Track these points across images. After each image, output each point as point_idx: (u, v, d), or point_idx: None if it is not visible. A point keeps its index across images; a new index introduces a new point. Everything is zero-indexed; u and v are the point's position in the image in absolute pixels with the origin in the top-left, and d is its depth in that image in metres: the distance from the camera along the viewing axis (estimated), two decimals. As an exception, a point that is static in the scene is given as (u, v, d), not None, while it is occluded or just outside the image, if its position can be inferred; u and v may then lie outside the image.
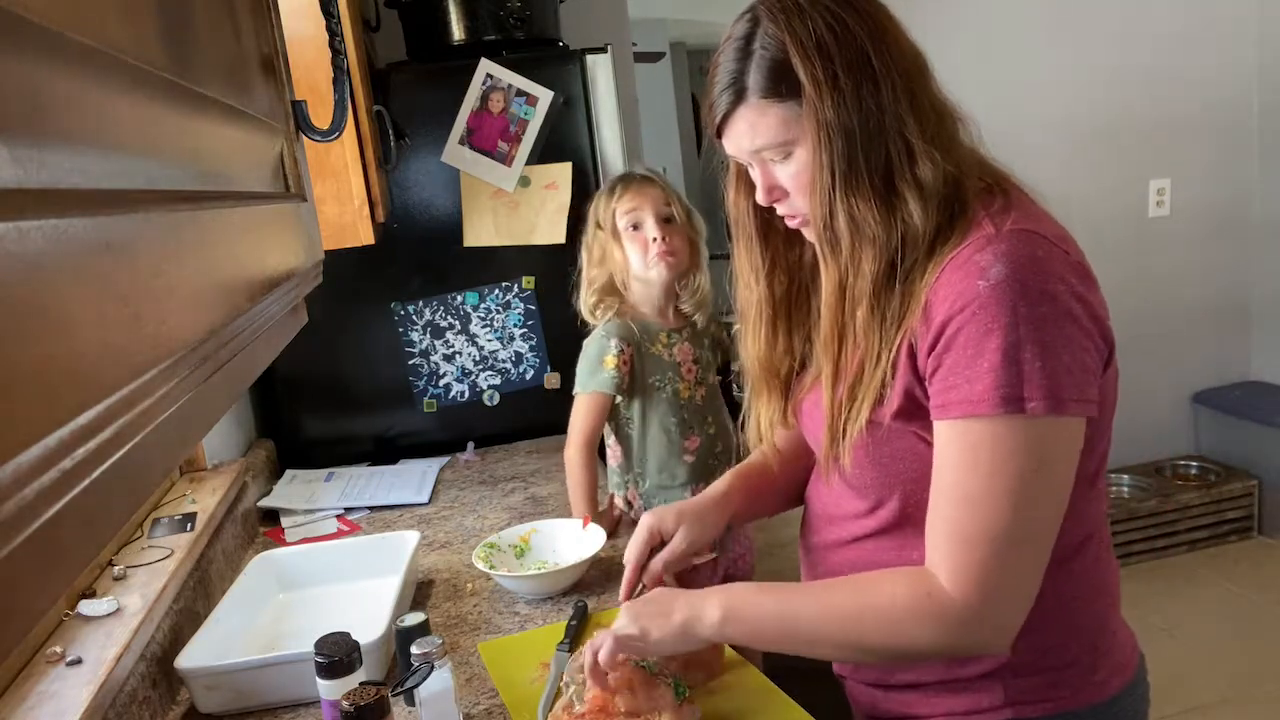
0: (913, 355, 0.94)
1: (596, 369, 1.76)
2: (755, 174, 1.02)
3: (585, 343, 1.82)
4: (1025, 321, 0.86)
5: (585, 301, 1.83)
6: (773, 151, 0.98)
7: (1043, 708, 1.00)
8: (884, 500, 1.02)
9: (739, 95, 0.96)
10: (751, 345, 1.14)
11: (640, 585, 1.17)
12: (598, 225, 1.81)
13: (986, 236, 0.90)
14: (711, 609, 1.00)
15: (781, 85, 0.94)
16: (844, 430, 0.99)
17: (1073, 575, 1.00)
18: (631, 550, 1.18)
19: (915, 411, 0.95)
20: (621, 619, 1.03)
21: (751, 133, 0.97)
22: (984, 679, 1.01)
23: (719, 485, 1.25)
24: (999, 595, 0.90)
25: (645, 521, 1.19)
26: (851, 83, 0.91)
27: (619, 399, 1.79)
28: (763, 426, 1.16)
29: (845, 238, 0.95)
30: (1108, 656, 1.04)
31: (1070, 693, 1.01)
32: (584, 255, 1.85)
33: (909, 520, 1.01)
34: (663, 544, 1.18)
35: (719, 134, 1.02)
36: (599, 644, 1.03)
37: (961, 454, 0.90)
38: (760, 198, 1.02)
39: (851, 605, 0.96)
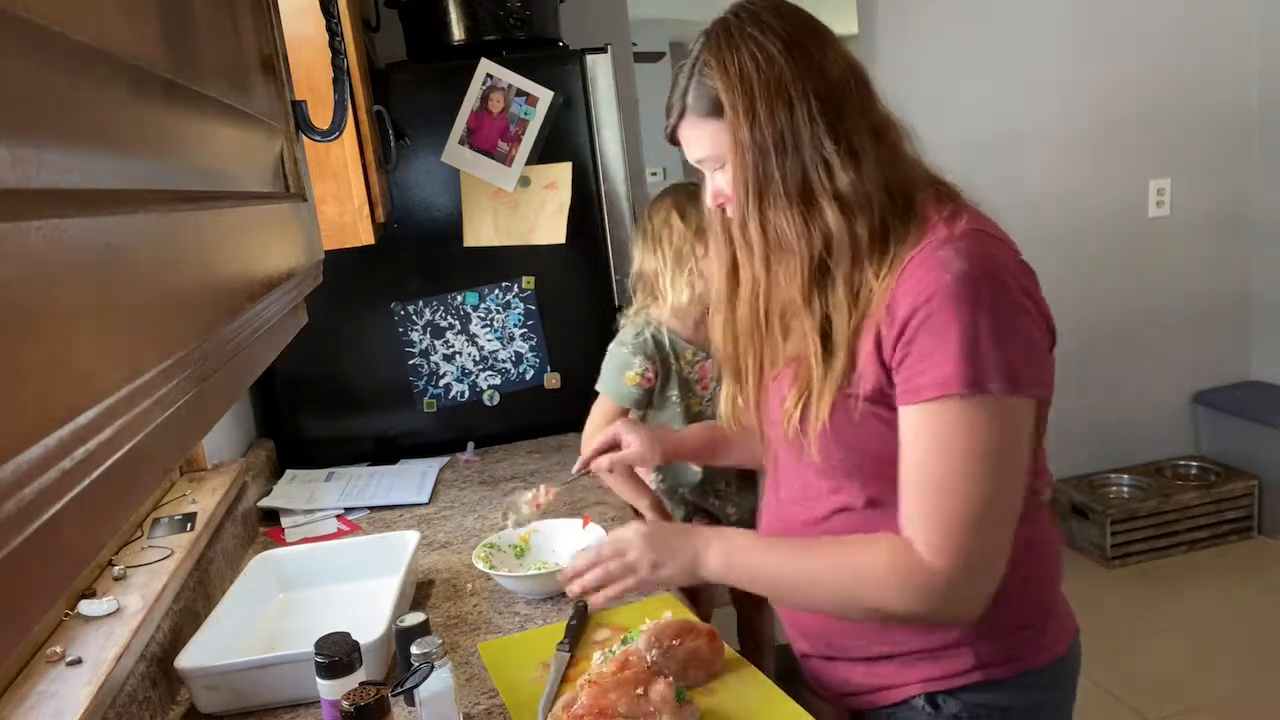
0: (879, 348, 1.02)
1: (617, 379, 1.78)
2: (706, 180, 1.15)
3: (614, 342, 1.83)
4: (985, 311, 0.95)
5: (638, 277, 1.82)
6: (709, 163, 1.11)
7: (1006, 669, 1.10)
8: (848, 480, 1.10)
9: (681, 111, 1.10)
10: (717, 334, 1.24)
11: (586, 471, 1.50)
12: (682, 217, 1.73)
13: (944, 237, 1.00)
14: (714, 556, 1.11)
15: (711, 108, 1.06)
16: (802, 421, 1.08)
17: (1021, 544, 1.07)
18: (594, 441, 1.49)
19: (880, 398, 1.03)
20: (636, 550, 1.13)
21: (689, 145, 1.12)
22: (953, 647, 1.09)
23: (683, 431, 1.55)
24: (977, 567, 0.99)
25: (614, 429, 1.49)
26: (766, 108, 1.02)
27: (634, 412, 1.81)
28: (726, 407, 1.26)
29: (757, 243, 1.07)
30: (1055, 619, 1.15)
31: (1029, 653, 1.11)
32: (651, 233, 1.78)
33: (871, 500, 1.08)
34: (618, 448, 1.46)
35: (672, 142, 1.16)
36: (613, 564, 1.14)
37: (933, 439, 0.98)
38: (708, 201, 1.15)
39: (839, 569, 1.05)
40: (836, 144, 1.02)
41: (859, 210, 1.02)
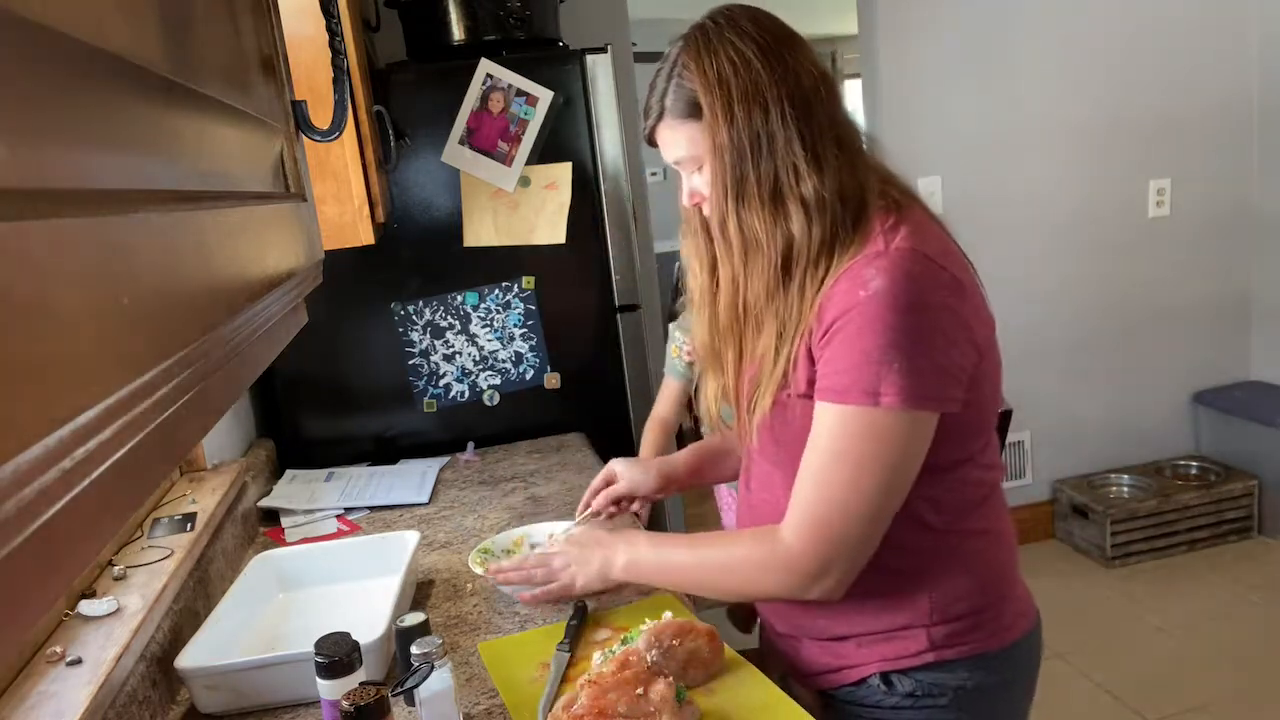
0: (810, 351, 1.08)
1: (669, 356, 1.96)
2: (683, 180, 1.18)
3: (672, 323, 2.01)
4: (891, 329, 1.01)
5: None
6: (687, 164, 1.15)
7: (959, 650, 1.15)
8: (791, 472, 1.13)
9: (660, 114, 1.14)
10: (698, 329, 1.26)
11: (589, 510, 1.50)
12: None
13: (875, 252, 1.05)
14: (619, 562, 1.25)
15: (689, 110, 1.10)
16: (751, 413, 1.15)
17: (974, 532, 1.16)
18: (593, 484, 1.51)
19: (811, 392, 1.09)
20: (560, 560, 1.32)
21: (667, 147, 1.16)
22: (907, 629, 1.15)
23: (677, 455, 1.53)
24: (829, 557, 1.07)
25: (608, 466, 1.50)
26: (744, 111, 1.07)
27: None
28: (709, 404, 1.28)
29: (736, 241, 1.11)
30: (1011, 604, 1.20)
31: (983, 636, 1.16)
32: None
33: None
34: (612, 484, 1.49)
35: (650, 143, 1.19)
36: (540, 577, 1.33)
37: (824, 435, 1.06)
38: (683, 200, 1.19)
39: (717, 560, 1.18)
40: (805, 150, 1.07)
41: (818, 216, 1.07)
